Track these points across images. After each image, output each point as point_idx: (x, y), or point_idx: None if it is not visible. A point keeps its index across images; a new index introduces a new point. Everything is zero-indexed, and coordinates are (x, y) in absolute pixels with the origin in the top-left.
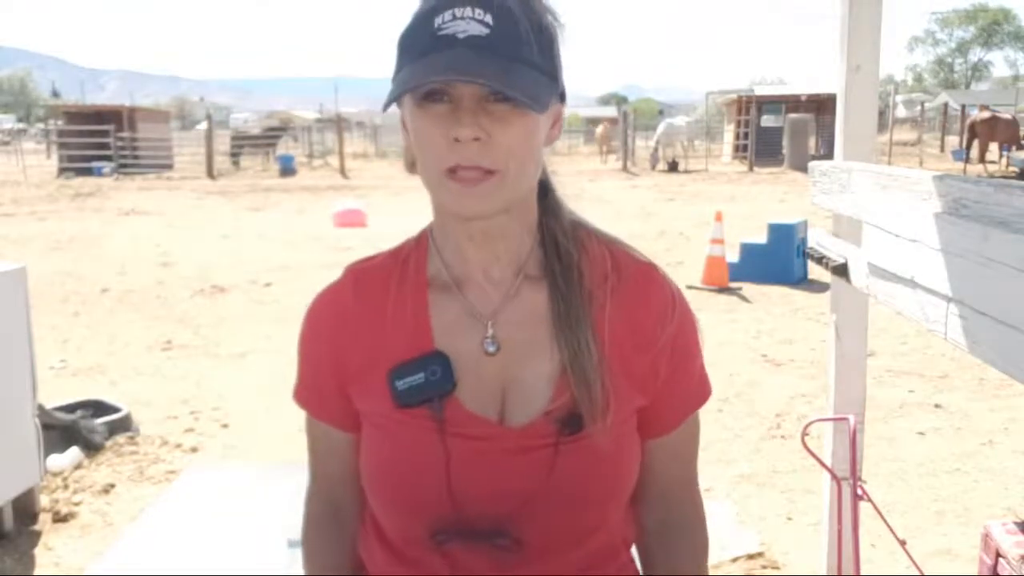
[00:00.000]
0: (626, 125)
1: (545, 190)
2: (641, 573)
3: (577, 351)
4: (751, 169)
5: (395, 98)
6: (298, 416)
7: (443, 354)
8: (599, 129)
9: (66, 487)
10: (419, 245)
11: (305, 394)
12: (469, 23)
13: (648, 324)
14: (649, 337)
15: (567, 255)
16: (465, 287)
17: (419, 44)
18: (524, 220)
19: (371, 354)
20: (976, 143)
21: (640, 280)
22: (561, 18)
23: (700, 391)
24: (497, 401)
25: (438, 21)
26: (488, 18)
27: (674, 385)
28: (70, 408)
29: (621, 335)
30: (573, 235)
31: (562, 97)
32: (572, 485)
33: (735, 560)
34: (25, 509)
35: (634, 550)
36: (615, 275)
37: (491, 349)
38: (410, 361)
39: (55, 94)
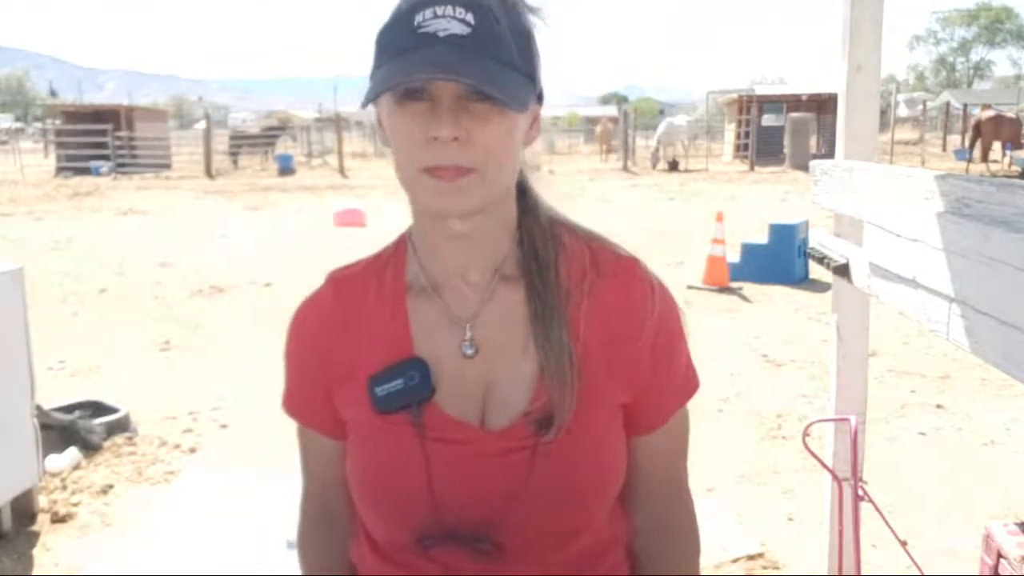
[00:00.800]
0: (626, 125)
1: (523, 190)
2: (633, 571)
3: (552, 351)
4: (752, 168)
5: (376, 95)
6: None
7: (421, 359)
8: (598, 127)
9: (64, 488)
10: (397, 250)
11: (293, 403)
12: (450, 22)
13: (628, 319)
14: (629, 332)
15: (544, 254)
16: (443, 290)
17: (399, 41)
18: (501, 220)
19: (352, 361)
20: (980, 142)
21: (620, 275)
22: (545, 17)
23: (687, 385)
24: (477, 404)
25: (418, 19)
26: (469, 17)
27: (659, 380)
28: (68, 409)
29: (600, 332)
30: (552, 233)
31: (540, 98)
32: (552, 486)
33: (736, 560)
34: (24, 510)
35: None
36: (594, 271)
37: (469, 352)
38: (389, 367)
39: (53, 93)
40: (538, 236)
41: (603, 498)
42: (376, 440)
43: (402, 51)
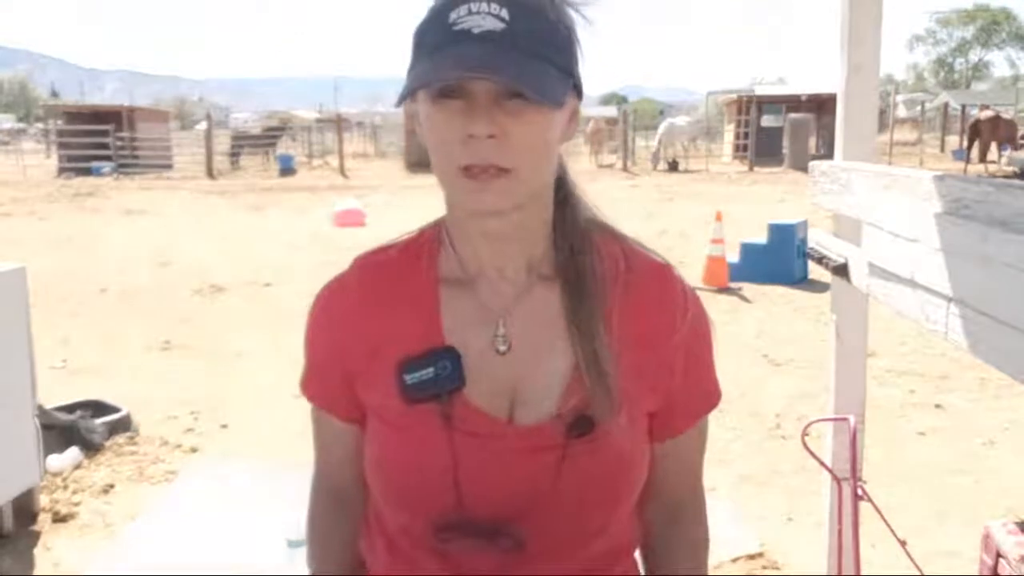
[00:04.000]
0: (626, 125)
1: (560, 187)
2: (643, 572)
3: (592, 351)
4: (751, 169)
5: (409, 93)
6: (298, 415)
7: (454, 349)
8: (590, 125)
9: (65, 487)
10: (432, 238)
11: (311, 385)
12: (485, 18)
13: (661, 325)
14: (662, 338)
15: (580, 255)
16: (477, 284)
17: (434, 38)
18: (538, 218)
19: (378, 347)
20: (979, 142)
21: (653, 280)
22: (587, 12)
23: (711, 395)
24: (506, 400)
25: (453, 16)
26: (504, 13)
27: (687, 388)
28: (70, 408)
29: (634, 335)
30: (587, 234)
31: (579, 93)
32: (579, 487)
33: (735, 560)
34: (24, 509)
35: (637, 554)
36: (628, 275)
37: (502, 348)
38: (420, 355)
39: (55, 94)
40: (574, 236)
41: (626, 501)
42: (402, 427)
43: (437, 48)
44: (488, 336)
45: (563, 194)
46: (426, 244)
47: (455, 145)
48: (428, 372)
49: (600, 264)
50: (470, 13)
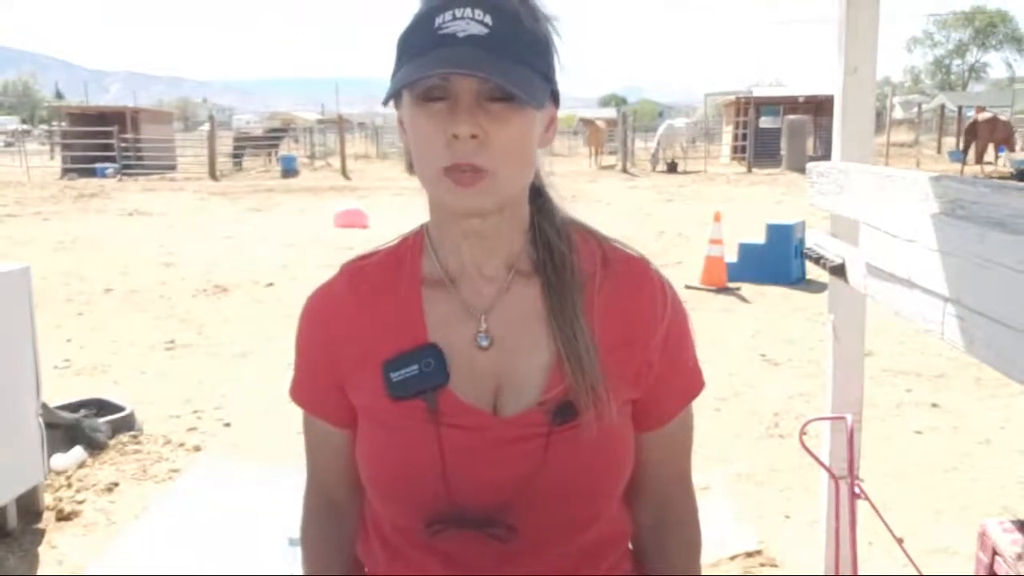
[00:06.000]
0: (625, 126)
1: (538, 191)
2: (635, 568)
3: (572, 342)
4: (749, 170)
5: (395, 92)
6: (299, 415)
7: (436, 346)
8: (589, 128)
9: (70, 486)
10: (414, 243)
11: (300, 391)
12: (469, 23)
13: (639, 318)
14: (641, 331)
15: (559, 252)
16: (459, 283)
17: (419, 42)
18: (516, 219)
19: (365, 349)
20: (976, 143)
21: (630, 275)
22: (559, 27)
23: (693, 384)
24: (490, 394)
25: (438, 21)
26: (487, 19)
27: (667, 378)
28: (74, 407)
29: (613, 328)
30: (565, 233)
31: (556, 100)
32: (565, 474)
33: (733, 558)
34: (29, 508)
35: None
36: (605, 270)
37: (484, 343)
38: (404, 353)
39: (59, 95)
40: (552, 235)
41: (612, 489)
42: (390, 425)
43: (422, 51)
44: (470, 333)
45: (541, 199)
46: (408, 248)
47: (438, 146)
48: (413, 369)
49: (578, 260)
50: (455, 19)
